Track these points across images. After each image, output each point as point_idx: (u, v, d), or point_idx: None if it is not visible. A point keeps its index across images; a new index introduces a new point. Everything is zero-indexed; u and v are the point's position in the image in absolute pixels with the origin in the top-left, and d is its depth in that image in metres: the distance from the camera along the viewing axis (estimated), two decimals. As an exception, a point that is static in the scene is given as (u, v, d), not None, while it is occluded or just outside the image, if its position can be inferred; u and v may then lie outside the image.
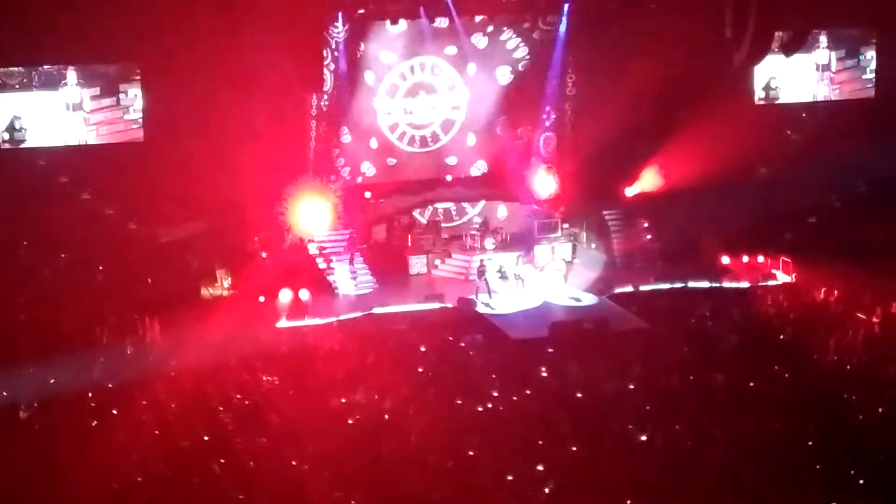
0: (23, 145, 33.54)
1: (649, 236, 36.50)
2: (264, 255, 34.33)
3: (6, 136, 33.30)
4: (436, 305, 32.30)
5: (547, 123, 38.58)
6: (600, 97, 36.37)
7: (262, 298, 31.62)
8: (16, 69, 33.31)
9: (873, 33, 39.68)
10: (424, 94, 37.66)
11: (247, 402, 23.86)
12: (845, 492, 19.04)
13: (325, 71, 35.58)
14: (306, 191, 34.65)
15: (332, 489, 19.37)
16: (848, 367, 25.16)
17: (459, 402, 23.47)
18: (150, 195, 32.79)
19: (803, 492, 19.07)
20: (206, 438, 21.78)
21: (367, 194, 36.70)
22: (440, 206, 38.25)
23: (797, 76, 39.30)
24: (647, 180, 37.15)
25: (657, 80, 35.59)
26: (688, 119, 34.63)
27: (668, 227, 35.96)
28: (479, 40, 37.25)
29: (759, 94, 39.25)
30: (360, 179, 37.30)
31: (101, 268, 32.29)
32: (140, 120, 34.50)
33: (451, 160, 38.20)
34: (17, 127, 33.39)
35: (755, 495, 18.92)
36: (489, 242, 36.63)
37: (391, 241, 37.49)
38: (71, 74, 33.82)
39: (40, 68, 33.51)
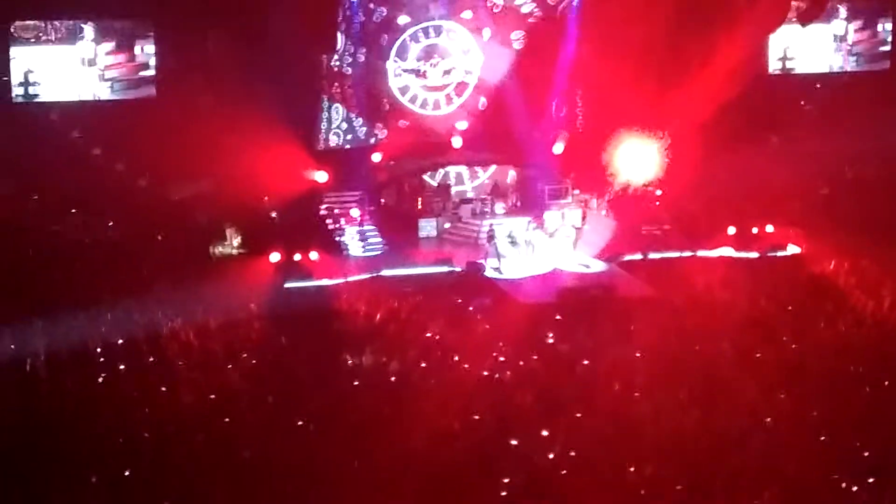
0: (36, 100, 33.51)
1: (659, 204, 36.35)
2: (274, 214, 34.28)
3: (20, 90, 33.24)
4: (445, 269, 32.27)
5: (559, 89, 38.37)
6: (613, 65, 36.11)
7: (277, 257, 31.53)
8: (31, 23, 33.22)
9: (890, 4, 39.38)
10: (438, 57, 37.47)
11: (254, 361, 23.90)
12: (850, 463, 18.99)
13: (339, 32, 35.46)
14: (320, 157, 34.65)
15: (336, 449, 19.37)
16: (856, 339, 25.07)
17: (466, 365, 23.47)
18: (161, 152, 32.71)
19: (808, 462, 19.01)
20: (212, 397, 21.82)
21: (378, 156, 36.52)
22: (451, 169, 38.12)
23: (813, 46, 39.04)
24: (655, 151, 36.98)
25: (670, 49, 35.42)
26: (701, 89, 34.38)
27: (680, 195, 35.82)
28: (495, 4, 37.04)
29: (773, 65, 38.99)
30: (372, 140, 37.15)
31: (110, 224, 32.27)
32: (153, 76, 34.43)
33: (463, 124, 37.99)
34: (31, 81, 33.34)
35: (760, 465, 18.88)
36: (499, 207, 36.54)
37: (401, 203, 37.44)
38: (87, 29, 33.73)
39: (55, 22, 33.42)
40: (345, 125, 36.75)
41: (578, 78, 38.09)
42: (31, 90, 33.47)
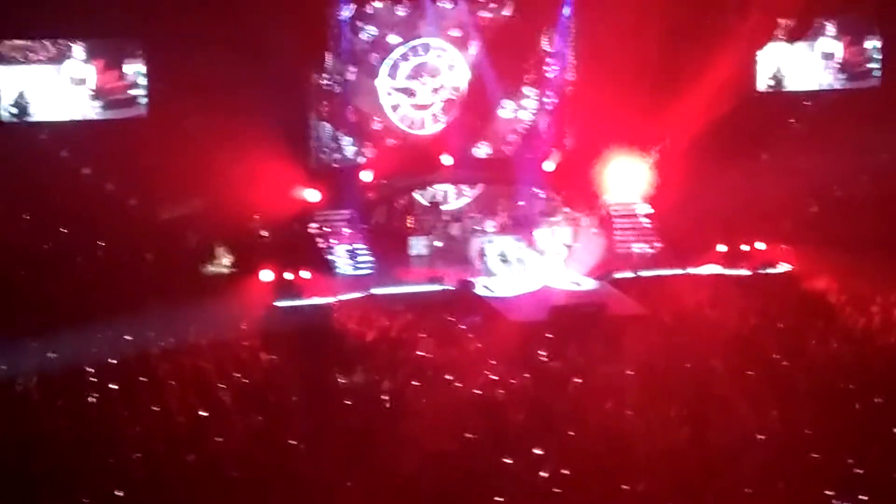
0: (25, 119, 33.49)
1: (650, 222, 36.40)
2: (264, 233, 34.26)
3: (9, 109, 33.22)
4: (436, 287, 32.27)
5: (549, 107, 38.46)
6: (602, 83, 36.23)
7: (267, 276, 31.47)
8: (19, 42, 33.22)
9: (878, 22, 39.52)
10: (427, 75, 37.58)
11: (245, 380, 23.84)
12: (841, 481, 18.96)
13: (327, 51, 35.58)
14: (309, 175, 34.69)
15: (328, 469, 19.30)
16: (847, 356, 25.06)
17: (459, 384, 23.43)
18: (151, 172, 32.71)
19: (800, 480, 18.98)
20: (203, 415, 21.75)
21: (368, 174, 36.51)
22: (441, 187, 38.16)
23: (801, 64, 39.17)
24: (645, 168, 37.04)
25: (660, 68, 35.57)
26: (690, 106, 34.49)
27: (669, 213, 35.87)
28: (483, 22, 37.16)
29: (762, 83, 39.11)
30: (361, 159, 37.18)
31: (101, 244, 32.21)
32: (143, 96, 34.44)
33: (453, 142, 38.05)
34: (20, 100, 33.31)
35: (752, 482, 18.84)
36: (490, 225, 36.58)
37: (391, 222, 37.47)
38: (76, 49, 33.73)
39: (44, 42, 33.42)
40: (333, 144, 36.83)
41: (568, 95, 38.21)
42: (20, 110, 33.41)
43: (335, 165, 36.66)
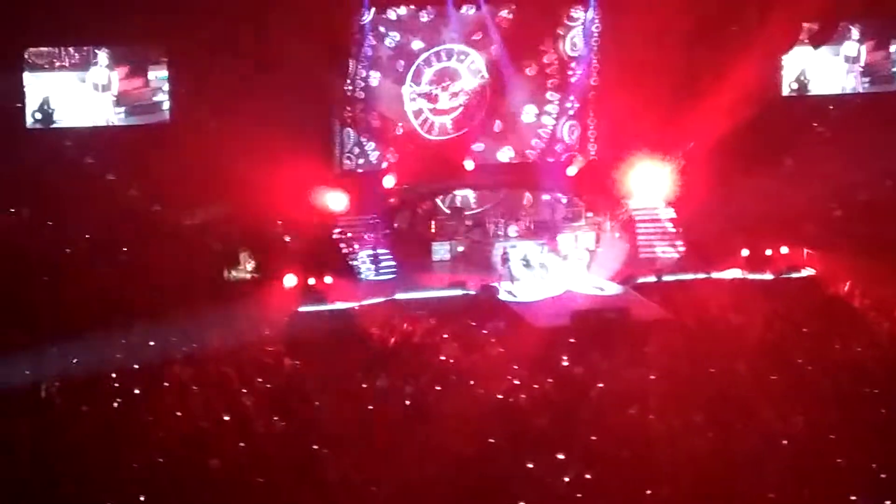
0: (50, 126, 33.63)
1: (674, 226, 36.30)
2: (287, 238, 34.32)
3: (35, 116, 33.37)
4: (458, 292, 32.30)
5: (571, 111, 38.42)
6: (626, 86, 36.17)
7: (291, 281, 31.53)
8: (45, 49, 33.38)
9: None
10: (450, 80, 37.57)
11: (268, 386, 23.91)
12: (867, 486, 18.91)
13: (350, 57, 35.68)
14: (332, 178, 34.75)
15: (353, 473, 19.35)
16: (872, 361, 24.98)
17: (481, 389, 23.46)
18: (175, 177, 32.79)
19: (824, 485, 18.93)
20: (226, 418, 21.83)
21: (390, 180, 36.54)
22: (464, 192, 38.15)
23: (826, 68, 38.99)
24: (669, 172, 36.93)
25: (684, 71, 35.52)
26: (714, 110, 34.37)
27: (693, 217, 35.77)
28: (505, 26, 37.18)
29: (786, 87, 38.96)
30: (384, 165, 37.22)
31: (124, 249, 32.32)
32: (167, 102, 34.55)
33: (476, 146, 38.04)
34: (46, 107, 33.45)
35: (777, 487, 18.81)
36: (513, 230, 36.55)
37: (413, 227, 37.43)
38: (101, 55, 33.87)
39: (69, 48, 33.58)
40: (357, 150, 36.89)
41: (591, 99, 38.16)
42: (46, 116, 33.55)
43: (358, 171, 36.66)
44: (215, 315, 27.94)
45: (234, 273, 33.08)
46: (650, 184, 36.80)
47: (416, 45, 36.92)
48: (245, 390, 23.43)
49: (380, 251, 34.73)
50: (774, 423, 21.27)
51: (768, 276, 33.32)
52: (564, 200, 37.60)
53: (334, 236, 34.75)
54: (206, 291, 30.02)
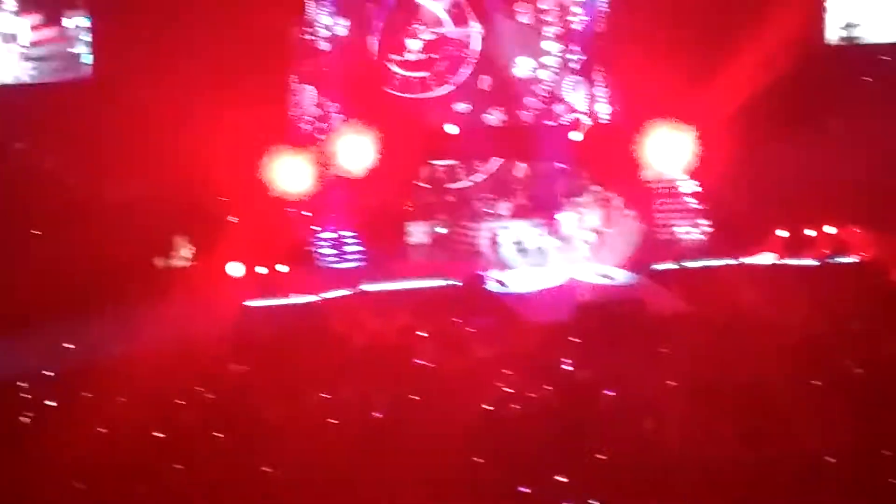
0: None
1: (697, 202, 36.31)
2: (233, 219, 34.21)
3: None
4: (439, 283, 32.24)
5: (575, 65, 38.36)
6: (640, 35, 36.14)
7: (236, 270, 31.45)
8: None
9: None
10: (429, 29, 37.47)
11: (210, 396, 23.81)
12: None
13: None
14: (287, 145, 34.59)
15: (308, 500, 19.27)
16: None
17: (466, 399, 23.36)
18: (97, 145, 32.65)
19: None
20: (158, 436, 21.71)
21: (358, 147, 36.39)
22: (446, 163, 38.08)
23: (878, 12, 38.99)
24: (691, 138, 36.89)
25: (710, 16, 35.48)
26: (746, 63, 34.35)
27: (720, 191, 35.77)
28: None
29: (832, 33, 38.94)
30: (351, 129, 37.05)
31: (35, 232, 32.18)
32: (87, 55, 34.37)
33: (461, 107, 37.97)
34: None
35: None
36: (504, 207, 36.51)
37: (386, 204, 37.33)
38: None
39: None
40: (317, 111, 36.70)
41: (599, 50, 38.08)
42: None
43: (318, 137, 36.53)
44: (144, 312, 27.84)
45: (167, 260, 33.02)
46: (670, 152, 36.75)
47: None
48: (181, 402, 23.27)
49: (344, 233, 34.68)
50: (818, 439, 21.19)
51: (811, 262, 33.34)
52: (567, 172, 37.51)
53: (289, 216, 34.64)
54: (134, 283, 29.91)
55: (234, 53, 33.31)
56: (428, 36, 37.52)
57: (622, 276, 33.44)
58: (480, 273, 32.79)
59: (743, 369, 24.44)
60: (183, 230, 33.27)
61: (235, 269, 31.34)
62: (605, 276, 33.46)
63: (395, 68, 37.47)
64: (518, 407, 23.14)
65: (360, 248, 34.62)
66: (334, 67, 36.70)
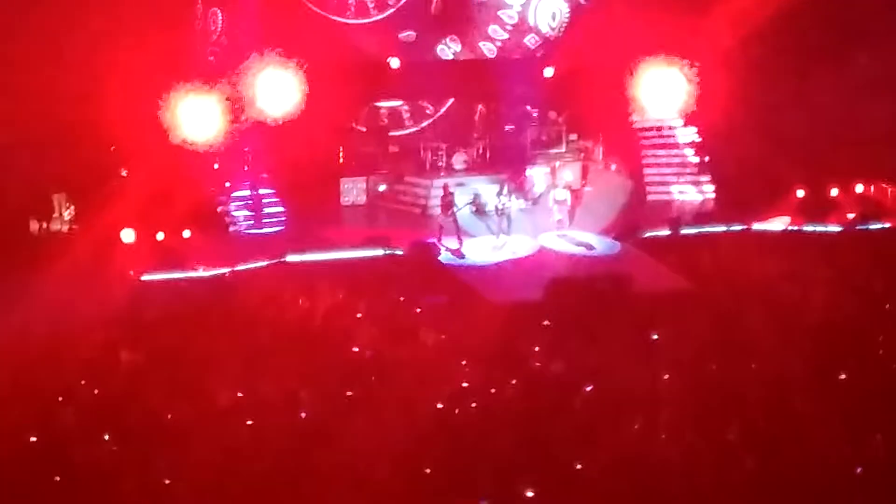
0: None
1: (696, 154, 36.43)
2: (124, 172, 34.08)
3: None
4: (379, 252, 32.25)
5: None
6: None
7: (130, 236, 31.39)
8: None
9: None
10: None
11: (96, 391, 23.77)
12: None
13: None
14: (192, 82, 34.49)
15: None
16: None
17: (412, 395, 23.43)
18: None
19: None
20: (34, 439, 21.68)
21: (280, 82, 36.23)
22: (387, 104, 38.06)
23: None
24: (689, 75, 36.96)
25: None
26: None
27: (724, 141, 35.89)
28: None
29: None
30: (270, 63, 36.91)
31: None
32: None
33: (407, 35, 37.93)
34: None
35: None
36: (459, 160, 36.54)
37: (314, 156, 37.30)
38: None
39: None
40: (227, 40, 36.54)
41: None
42: None
43: (229, 72, 36.35)
44: (18, 286, 27.74)
45: (45, 224, 32.88)
46: (663, 92, 36.81)
47: None
48: (62, 398, 23.24)
49: (263, 192, 34.61)
50: (843, 445, 21.36)
51: (834, 228, 33.51)
52: (537, 116, 37.56)
53: (194, 169, 34.54)
54: (5, 251, 29.79)
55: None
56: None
57: (604, 246, 33.50)
58: (430, 241, 32.75)
59: (752, 360, 24.64)
60: (63, 186, 33.12)
61: (128, 234, 31.22)
62: (583, 246, 33.51)
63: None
64: (476, 406, 23.26)
65: (283, 210, 34.56)
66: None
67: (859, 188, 34.61)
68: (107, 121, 32.61)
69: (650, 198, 35.98)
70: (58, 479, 20.52)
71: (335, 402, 23.30)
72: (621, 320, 26.96)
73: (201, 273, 30.79)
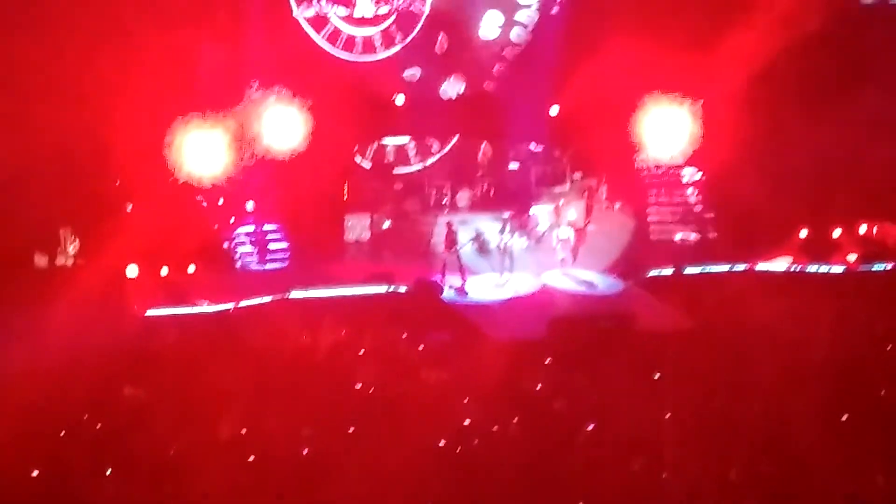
0: None
1: (700, 194, 36.47)
2: (129, 207, 34.13)
3: None
4: (382, 289, 32.28)
5: (552, 22, 38.46)
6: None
7: (134, 272, 31.42)
8: None
9: None
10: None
11: (100, 426, 23.77)
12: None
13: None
14: (197, 118, 34.55)
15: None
16: None
17: (415, 433, 23.42)
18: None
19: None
20: (35, 474, 21.67)
21: (284, 121, 36.32)
22: (392, 141, 38.13)
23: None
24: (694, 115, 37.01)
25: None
26: (762, 25, 34.49)
27: (728, 181, 35.91)
28: None
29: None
30: (272, 99, 36.98)
31: None
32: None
33: (412, 73, 38.01)
34: None
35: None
36: (463, 197, 36.58)
37: (319, 192, 37.35)
38: None
39: None
40: (233, 76, 36.64)
41: (580, 3, 38.21)
42: None
43: (235, 108, 36.44)
44: (22, 320, 27.74)
45: (50, 258, 32.90)
46: (668, 131, 36.83)
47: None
48: (64, 433, 23.24)
49: (268, 228, 34.66)
50: (847, 484, 21.35)
51: (837, 268, 33.51)
52: (541, 154, 37.62)
53: (199, 205, 34.61)
54: (8, 285, 29.81)
55: (129, 7, 33.28)
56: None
57: (607, 284, 33.54)
58: (433, 278, 32.80)
59: (754, 400, 24.62)
60: (68, 221, 33.15)
61: (133, 270, 31.27)
62: (586, 284, 33.55)
63: (328, 25, 37.49)
64: (479, 443, 23.25)
65: (287, 246, 34.60)
66: (255, 21, 36.68)
67: (863, 229, 34.56)
68: (112, 156, 32.66)
69: (654, 237, 35.90)
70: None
71: (338, 439, 23.30)
72: (624, 359, 26.94)
73: (205, 308, 30.82)
